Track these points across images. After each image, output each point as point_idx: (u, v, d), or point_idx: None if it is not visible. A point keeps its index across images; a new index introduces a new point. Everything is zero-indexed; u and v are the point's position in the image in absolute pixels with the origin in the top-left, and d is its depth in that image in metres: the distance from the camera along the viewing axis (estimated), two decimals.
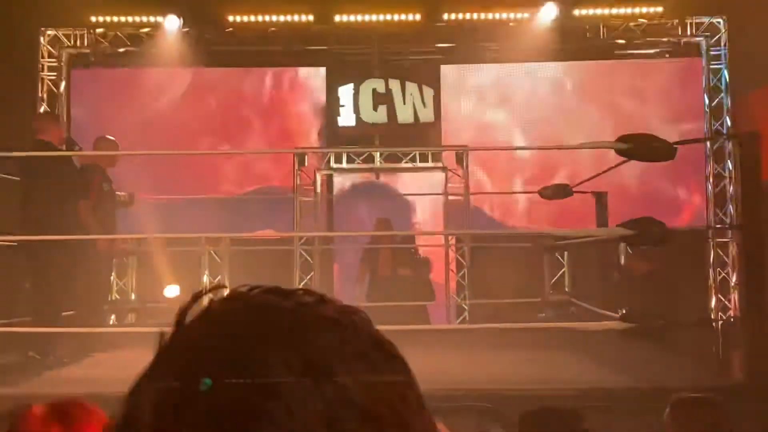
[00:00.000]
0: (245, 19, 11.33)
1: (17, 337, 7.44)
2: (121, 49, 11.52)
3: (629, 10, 11.08)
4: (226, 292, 0.71)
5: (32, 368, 6.72)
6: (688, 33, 11.24)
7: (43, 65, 11.48)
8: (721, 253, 10.92)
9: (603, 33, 11.28)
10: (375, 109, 11.44)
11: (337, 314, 0.68)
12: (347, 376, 0.63)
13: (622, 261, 9.51)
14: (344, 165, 11.40)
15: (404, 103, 11.44)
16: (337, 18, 11.30)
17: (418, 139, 11.35)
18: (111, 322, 10.06)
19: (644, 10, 11.05)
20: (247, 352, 0.63)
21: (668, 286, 9.36)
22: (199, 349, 0.65)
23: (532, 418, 3.68)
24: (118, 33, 11.44)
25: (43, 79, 11.47)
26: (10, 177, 7.88)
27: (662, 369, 6.64)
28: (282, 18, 11.34)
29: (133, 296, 10.86)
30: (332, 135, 11.65)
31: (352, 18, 11.30)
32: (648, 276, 9.12)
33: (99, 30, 11.41)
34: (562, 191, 9.44)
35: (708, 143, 11.09)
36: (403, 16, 11.30)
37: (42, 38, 11.43)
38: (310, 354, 0.63)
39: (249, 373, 0.62)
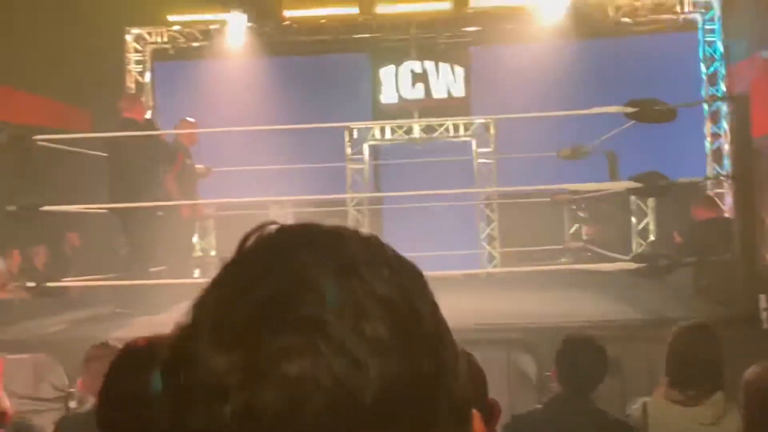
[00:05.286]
0: (299, 13, 11.33)
1: (107, 291, 7.56)
2: (195, 44, 11.59)
3: None
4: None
5: (124, 317, 6.83)
6: (686, 10, 11.01)
7: (129, 59, 11.59)
8: (718, 201, 10.76)
9: (611, 12, 11.10)
10: (413, 86, 11.41)
11: (368, 235, 0.72)
12: (372, 277, 0.66)
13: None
14: (388, 136, 11.40)
15: (438, 81, 11.38)
16: (378, 9, 11.24)
17: (451, 112, 11.29)
18: (196, 275, 10.24)
19: None
20: (289, 255, 0.67)
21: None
22: (251, 256, 0.69)
23: (569, 346, 3.69)
24: (192, 29, 11.51)
25: (130, 71, 11.59)
26: (97, 153, 7.89)
27: (666, 303, 6.61)
28: (331, 11, 11.32)
29: (213, 252, 11.03)
30: (377, 110, 11.63)
31: (391, 9, 11.25)
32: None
33: (176, 27, 11.48)
34: (578, 152, 9.36)
35: (705, 105, 10.89)
36: (435, 5, 11.23)
37: (128, 36, 11.54)
38: (342, 258, 0.66)
39: (290, 271, 0.65)
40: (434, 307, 0.69)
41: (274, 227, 0.72)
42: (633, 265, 5.85)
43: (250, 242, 0.71)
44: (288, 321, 0.62)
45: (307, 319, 0.62)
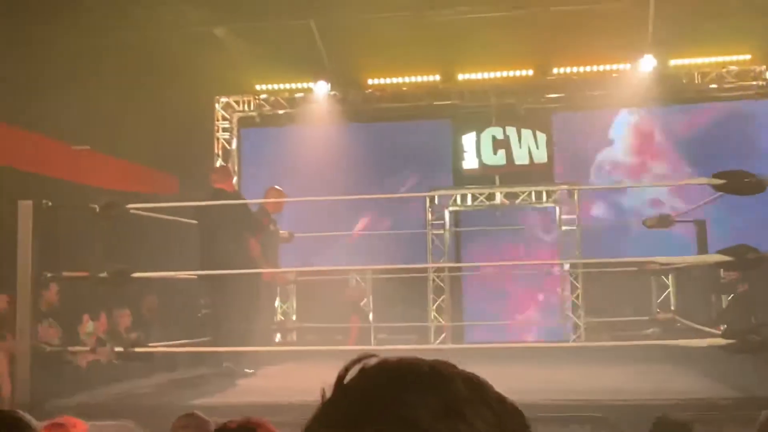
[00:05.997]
0: (382, 81, 11.59)
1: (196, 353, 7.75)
2: (280, 111, 11.96)
3: (720, 59, 10.75)
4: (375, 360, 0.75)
5: (220, 380, 6.95)
6: None
7: (218, 126, 12.03)
8: None
9: (697, 79, 10.98)
10: (495, 152, 11.45)
11: (469, 374, 0.74)
12: (476, 419, 0.68)
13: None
14: (469, 203, 11.43)
15: (520, 147, 11.40)
16: (460, 76, 11.41)
17: (533, 178, 11.26)
18: (277, 340, 10.35)
19: (734, 57, 10.71)
20: (393, 395, 0.69)
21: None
22: (355, 394, 0.71)
23: (661, 429, 3.61)
24: (278, 98, 11.89)
25: (218, 138, 12.02)
26: (186, 221, 8.14)
27: (759, 381, 6.36)
28: (413, 79, 11.54)
29: (294, 317, 11.15)
30: (458, 176, 11.71)
31: (473, 76, 11.40)
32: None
33: (263, 96, 11.89)
34: (665, 221, 9.20)
35: None
36: (517, 72, 11.32)
37: (217, 104, 12.00)
38: (446, 399, 0.69)
39: (394, 411, 0.67)
40: None
41: (374, 361, 0.73)
42: (723, 341, 5.68)
43: (350, 375, 0.73)
44: None
45: None
